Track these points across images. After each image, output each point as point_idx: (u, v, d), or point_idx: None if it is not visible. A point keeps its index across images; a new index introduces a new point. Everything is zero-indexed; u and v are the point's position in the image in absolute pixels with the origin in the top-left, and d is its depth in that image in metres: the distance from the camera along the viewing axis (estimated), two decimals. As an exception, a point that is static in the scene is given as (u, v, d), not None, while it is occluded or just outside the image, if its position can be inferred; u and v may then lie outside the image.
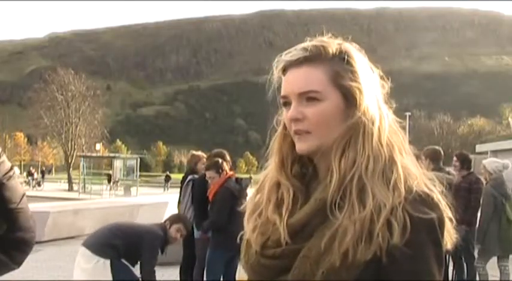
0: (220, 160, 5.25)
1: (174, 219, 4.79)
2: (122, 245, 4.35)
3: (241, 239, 1.07)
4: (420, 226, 0.91)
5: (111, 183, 32.89)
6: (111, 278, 4.24)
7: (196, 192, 5.73)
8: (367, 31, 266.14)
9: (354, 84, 0.99)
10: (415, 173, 0.98)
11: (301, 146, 1.01)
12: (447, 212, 0.97)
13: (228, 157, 5.57)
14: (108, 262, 4.28)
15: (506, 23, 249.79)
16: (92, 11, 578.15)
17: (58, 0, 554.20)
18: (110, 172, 35.39)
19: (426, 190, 0.96)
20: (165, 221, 4.76)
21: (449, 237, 0.98)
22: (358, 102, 0.99)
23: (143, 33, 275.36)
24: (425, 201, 0.93)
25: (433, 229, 0.92)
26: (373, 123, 0.98)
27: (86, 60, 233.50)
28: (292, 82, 1.01)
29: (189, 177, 6.09)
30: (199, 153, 6.49)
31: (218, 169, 5.17)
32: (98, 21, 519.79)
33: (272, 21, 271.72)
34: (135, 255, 4.41)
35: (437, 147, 5.96)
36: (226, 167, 5.23)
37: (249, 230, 1.07)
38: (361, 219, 0.91)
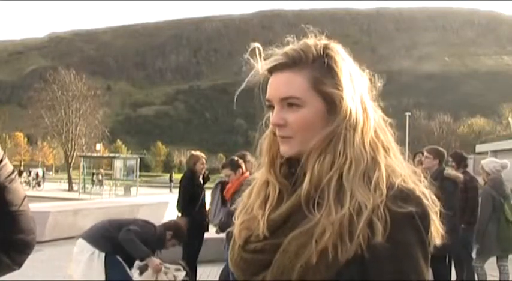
0: (236, 158, 5.26)
1: (169, 226, 4.68)
2: (117, 238, 4.27)
3: (228, 235, 1.10)
4: (402, 222, 0.90)
5: (97, 181, 32.97)
6: (103, 272, 4.16)
7: None
8: (367, 31, 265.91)
9: (334, 90, 0.99)
10: (400, 171, 0.98)
11: (285, 149, 1.03)
12: (432, 206, 0.96)
13: (248, 158, 5.50)
14: (102, 255, 4.21)
15: (506, 23, 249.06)
16: (92, 11, 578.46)
17: (58, 0, 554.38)
18: (94, 170, 35.42)
19: (410, 185, 0.95)
20: (164, 226, 4.66)
21: (437, 232, 0.97)
22: (339, 108, 0.99)
23: (143, 33, 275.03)
24: (406, 195, 0.93)
25: (415, 223, 0.91)
26: (355, 128, 0.98)
27: (86, 60, 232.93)
28: (275, 87, 1.03)
29: (218, 179, 6.13)
30: (198, 153, 6.53)
31: (233, 166, 5.16)
32: (98, 21, 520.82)
33: (272, 21, 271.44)
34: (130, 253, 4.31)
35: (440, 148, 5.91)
36: (243, 166, 5.20)
37: (236, 226, 1.08)
38: (339, 220, 0.91)
